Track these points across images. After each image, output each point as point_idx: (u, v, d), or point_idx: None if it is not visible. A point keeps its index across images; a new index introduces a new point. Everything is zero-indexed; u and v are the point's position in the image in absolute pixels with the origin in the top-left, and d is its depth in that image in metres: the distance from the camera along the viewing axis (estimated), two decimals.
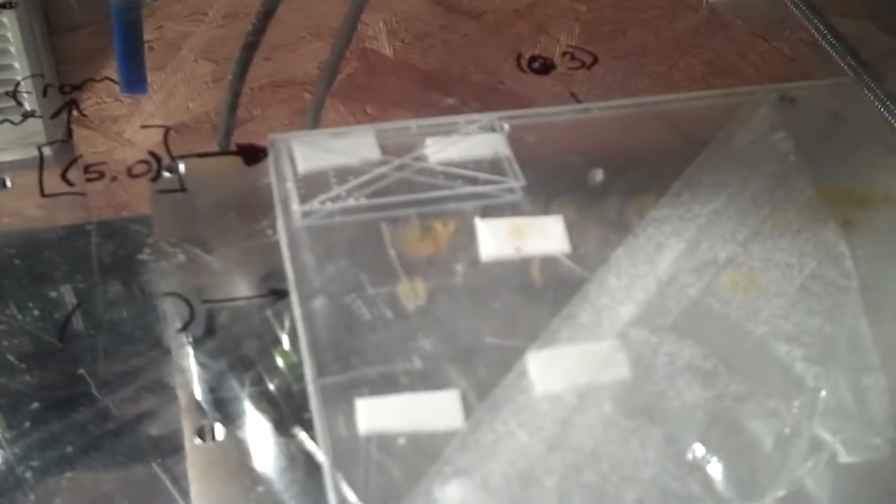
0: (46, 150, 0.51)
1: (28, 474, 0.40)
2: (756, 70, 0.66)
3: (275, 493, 0.39)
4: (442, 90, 0.62)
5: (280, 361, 0.44)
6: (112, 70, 0.60)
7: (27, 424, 0.41)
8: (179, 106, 0.61)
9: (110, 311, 0.45)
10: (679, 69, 0.66)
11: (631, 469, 0.38)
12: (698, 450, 0.39)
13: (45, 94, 0.56)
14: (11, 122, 0.52)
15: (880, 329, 0.42)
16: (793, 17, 0.67)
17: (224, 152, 0.50)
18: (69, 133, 0.53)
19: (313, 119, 0.57)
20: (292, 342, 0.44)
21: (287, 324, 0.45)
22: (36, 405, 0.42)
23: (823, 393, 0.40)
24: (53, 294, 0.45)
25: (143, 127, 0.59)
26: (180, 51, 0.65)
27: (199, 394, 0.41)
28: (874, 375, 0.40)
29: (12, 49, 0.58)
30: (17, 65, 0.57)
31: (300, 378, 0.41)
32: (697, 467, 0.38)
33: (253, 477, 0.40)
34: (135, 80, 0.59)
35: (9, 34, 0.59)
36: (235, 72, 0.59)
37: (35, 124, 0.53)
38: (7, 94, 0.55)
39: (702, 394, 0.40)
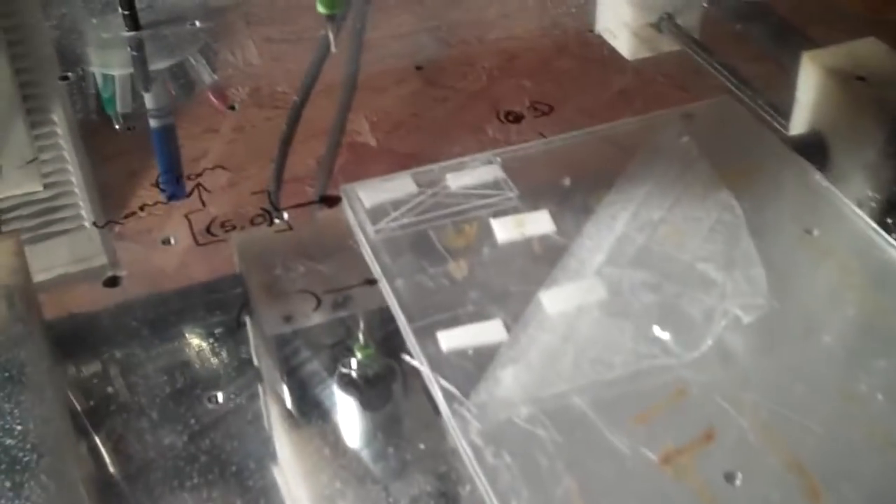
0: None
1: None
2: None
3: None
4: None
5: (358, 354, 0.67)
6: (143, 191, 0.77)
7: None
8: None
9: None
10: None
11: (616, 345, 0.60)
12: (656, 329, 0.62)
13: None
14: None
15: (765, 245, 0.66)
16: (702, 67, 0.91)
17: (312, 202, 0.73)
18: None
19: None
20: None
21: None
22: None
23: (728, 285, 0.63)
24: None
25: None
26: (199, 162, 0.79)
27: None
28: (757, 269, 0.64)
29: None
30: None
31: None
32: (657, 339, 0.61)
33: None
34: (177, 189, 0.81)
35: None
36: (279, 153, 0.82)
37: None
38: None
39: (653, 297, 0.63)
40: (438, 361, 0.61)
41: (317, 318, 0.67)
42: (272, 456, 0.63)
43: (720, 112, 0.79)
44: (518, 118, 0.81)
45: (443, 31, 0.97)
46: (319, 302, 0.66)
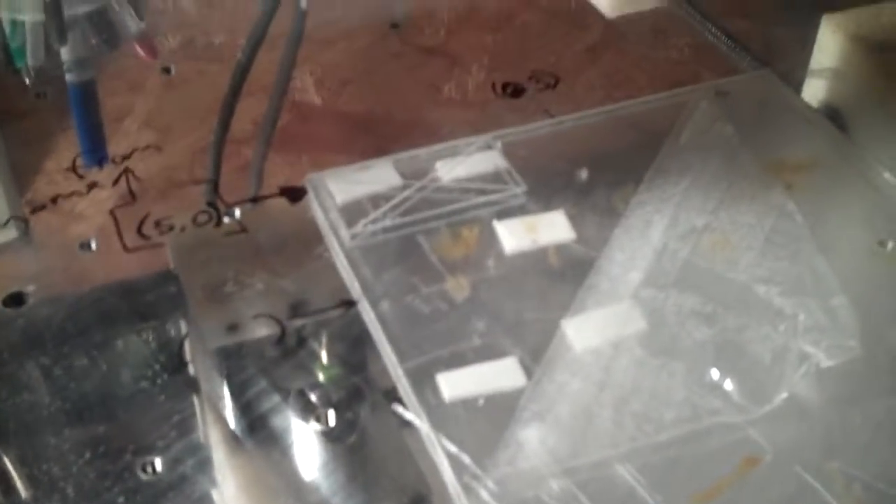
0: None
1: None
2: (649, 77, 0.73)
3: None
4: (368, 131, 0.69)
5: (320, 375, 0.53)
6: (59, 153, 0.65)
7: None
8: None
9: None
10: (581, 84, 0.72)
11: (665, 396, 0.48)
12: (714, 373, 0.49)
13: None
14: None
15: (835, 263, 0.53)
16: (676, 26, 0.79)
17: (271, 195, 0.59)
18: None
19: (258, 173, 0.63)
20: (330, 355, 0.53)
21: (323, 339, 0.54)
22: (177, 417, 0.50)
23: (801, 317, 0.51)
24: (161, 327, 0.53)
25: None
26: (122, 123, 0.68)
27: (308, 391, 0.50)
28: (839, 298, 0.51)
29: None
30: None
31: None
32: (716, 387, 0.48)
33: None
34: (97, 152, 0.67)
35: None
36: (217, 129, 0.67)
37: None
38: None
39: (707, 331, 0.50)
40: (440, 415, 0.48)
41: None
42: (210, 478, 0.49)
43: (760, 88, 0.66)
44: (518, 92, 0.67)
45: None
46: (284, 331, 0.52)
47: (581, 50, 0.77)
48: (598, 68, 0.75)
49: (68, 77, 0.72)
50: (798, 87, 0.68)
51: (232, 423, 0.51)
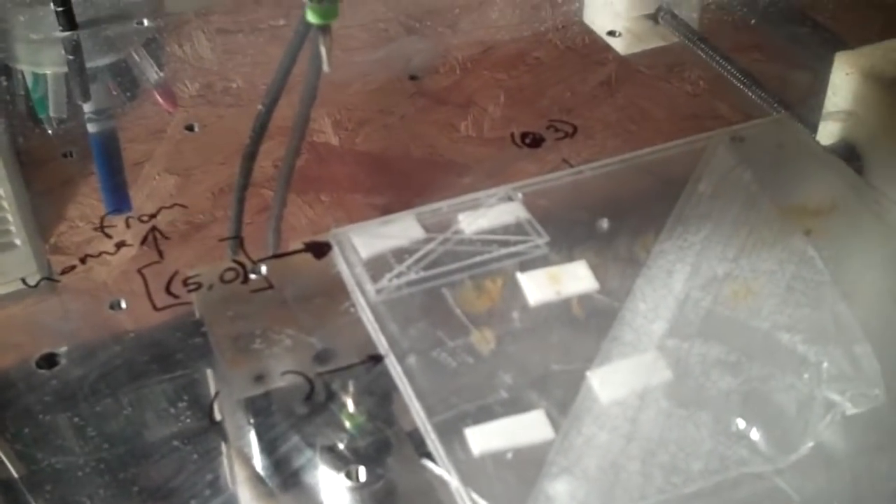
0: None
1: None
2: (666, 111, 0.74)
3: None
4: (386, 169, 0.69)
5: (347, 423, 0.53)
6: (83, 197, 0.65)
7: None
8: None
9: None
10: (596, 119, 0.72)
11: (692, 446, 0.48)
12: (740, 423, 0.49)
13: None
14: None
15: (857, 310, 0.54)
16: (690, 60, 0.80)
17: (296, 251, 0.60)
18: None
19: (278, 213, 0.65)
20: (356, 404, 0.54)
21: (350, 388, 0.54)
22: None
23: (825, 364, 0.51)
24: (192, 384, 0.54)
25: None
26: (143, 167, 0.69)
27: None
28: (862, 345, 0.52)
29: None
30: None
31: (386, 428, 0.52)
32: (742, 436, 0.49)
33: None
34: (119, 200, 0.68)
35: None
36: (239, 182, 0.69)
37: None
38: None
39: (732, 381, 0.51)
40: (470, 470, 0.48)
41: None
42: None
43: (776, 134, 0.66)
44: (537, 142, 0.68)
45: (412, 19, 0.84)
46: (313, 387, 0.52)
47: (596, 85, 0.78)
48: (613, 103, 0.75)
49: (89, 127, 0.73)
50: (812, 126, 0.69)
51: (265, 479, 0.52)
